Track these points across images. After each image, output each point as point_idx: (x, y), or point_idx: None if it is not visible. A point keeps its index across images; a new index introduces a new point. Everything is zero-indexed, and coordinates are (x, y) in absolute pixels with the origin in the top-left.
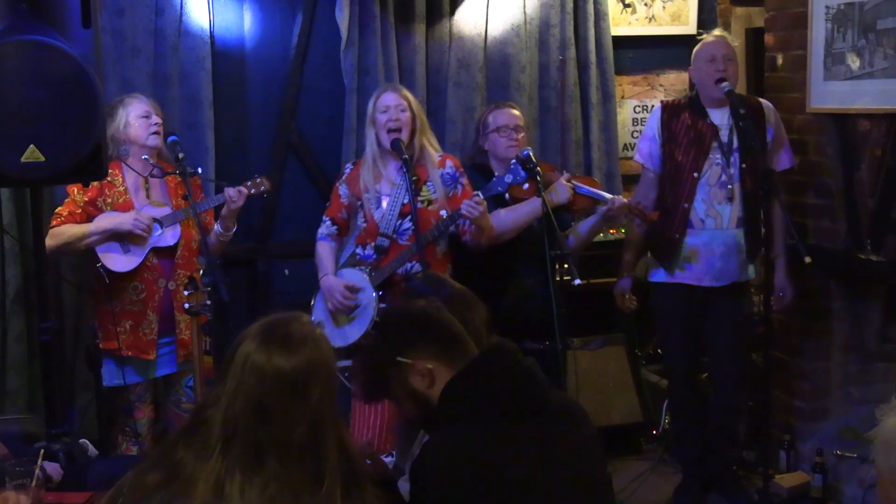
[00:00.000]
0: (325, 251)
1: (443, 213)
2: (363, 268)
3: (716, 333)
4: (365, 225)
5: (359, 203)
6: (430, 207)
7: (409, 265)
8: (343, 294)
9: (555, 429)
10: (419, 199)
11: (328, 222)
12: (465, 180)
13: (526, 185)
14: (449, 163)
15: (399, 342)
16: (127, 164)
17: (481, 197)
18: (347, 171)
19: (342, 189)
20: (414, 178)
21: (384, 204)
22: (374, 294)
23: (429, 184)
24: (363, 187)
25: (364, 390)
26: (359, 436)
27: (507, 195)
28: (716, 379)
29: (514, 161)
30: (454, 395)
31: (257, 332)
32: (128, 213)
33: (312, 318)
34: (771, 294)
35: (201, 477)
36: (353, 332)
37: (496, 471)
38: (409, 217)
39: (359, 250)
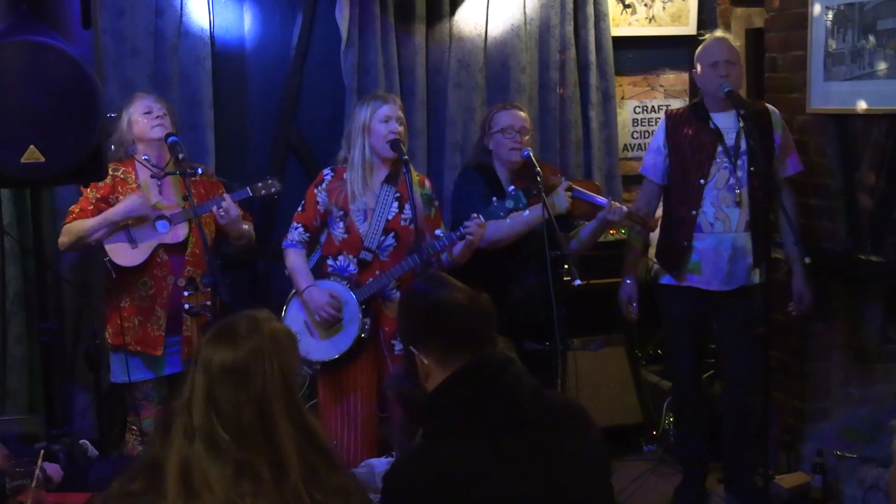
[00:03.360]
0: (299, 260)
1: (438, 232)
2: (341, 280)
3: (727, 337)
4: (346, 236)
5: (340, 213)
6: (410, 226)
7: (389, 286)
8: (333, 306)
9: (541, 442)
10: (402, 216)
11: (301, 228)
12: (437, 203)
13: (526, 213)
14: (427, 183)
15: (411, 330)
16: (140, 162)
17: (482, 220)
18: (328, 178)
19: (320, 196)
20: (397, 194)
21: (370, 217)
22: (358, 308)
23: (414, 197)
24: (350, 197)
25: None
26: (342, 448)
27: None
28: (728, 382)
29: (513, 188)
30: (436, 407)
31: (211, 332)
32: (127, 199)
33: None
34: (773, 295)
35: (170, 464)
36: (335, 347)
37: (465, 489)
38: (392, 234)
39: (329, 261)
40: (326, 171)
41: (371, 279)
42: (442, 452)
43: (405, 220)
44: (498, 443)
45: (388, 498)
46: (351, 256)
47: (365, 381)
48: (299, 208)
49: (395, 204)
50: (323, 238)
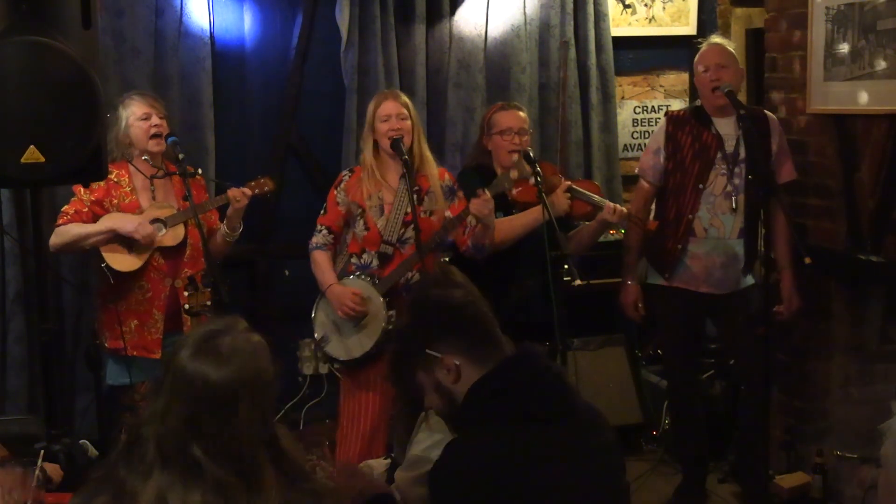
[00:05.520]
0: (323, 261)
1: (448, 213)
2: (363, 276)
3: (731, 337)
4: (366, 233)
5: (359, 211)
6: (432, 217)
7: (410, 274)
8: (354, 301)
9: (580, 434)
10: (422, 209)
11: (324, 231)
12: (460, 194)
13: (532, 180)
14: (447, 176)
15: (430, 334)
16: (134, 166)
17: (488, 195)
18: (346, 177)
19: (340, 196)
20: (416, 188)
21: (387, 212)
22: (381, 301)
23: (430, 194)
24: (365, 194)
25: (392, 375)
26: (347, 443)
27: (509, 194)
28: (741, 379)
29: (516, 159)
30: (481, 397)
31: (191, 343)
32: (132, 216)
33: (315, 333)
34: (772, 296)
35: (144, 494)
36: (362, 343)
37: (520, 476)
38: (412, 225)
39: (354, 259)
40: (345, 171)
41: (391, 271)
42: (492, 441)
43: (425, 211)
44: (545, 430)
45: (441, 491)
46: (372, 252)
47: (383, 378)
48: (322, 211)
49: (414, 197)
50: (348, 238)
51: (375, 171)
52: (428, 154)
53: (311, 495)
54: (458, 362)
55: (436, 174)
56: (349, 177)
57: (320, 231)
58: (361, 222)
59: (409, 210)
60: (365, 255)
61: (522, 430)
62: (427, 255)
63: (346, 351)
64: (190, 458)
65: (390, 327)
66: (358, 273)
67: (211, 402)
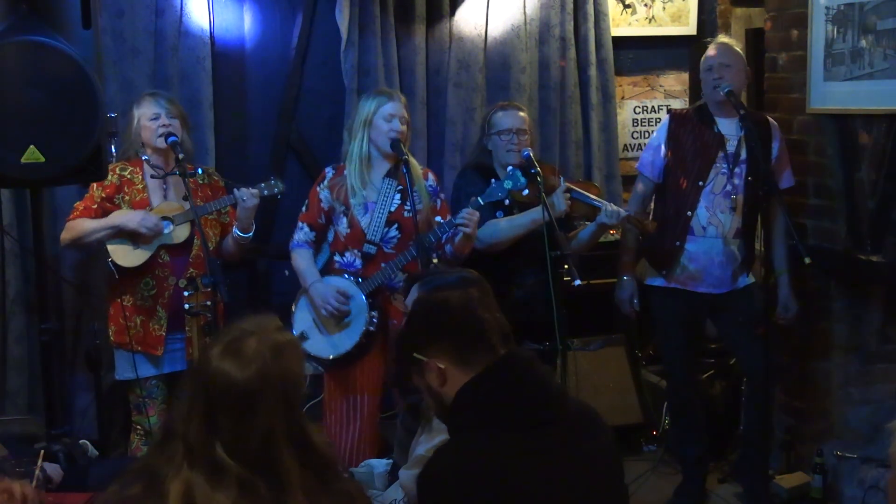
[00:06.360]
0: (306, 258)
1: (438, 218)
2: (347, 276)
3: (734, 336)
4: (349, 231)
5: (342, 209)
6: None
7: (394, 276)
8: (338, 299)
9: (568, 439)
10: (405, 208)
11: (306, 228)
12: (443, 196)
13: (526, 192)
14: (430, 176)
15: (418, 337)
16: (149, 164)
17: (475, 207)
18: (329, 175)
19: (323, 193)
20: (400, 187)
21: (371, 211)
22: (364, 301)
23: (414, 194)
24: (350, 192)
25: (395, 377)
26: (338, 445)
27: (507, 200)
28: (746, 377)
29: (511, 167)
30: (464, 404)
31: (219, 343)
32: (137, 211)
33: (294, 329)
34: (771, 296)
35: (172, 488)
36: (344, 342)
37: (502, 484)
38: (395, 225)
39: (337, 258)
40: (328, 168)
41: (376, 272)
42: (476, 448)
43: (408, 211)
44: (529, 438)
45: (425, 496)
46: (355, 251)
47: (371, 381)
48: (303, 208)
49: (398, 196)
50: (330, 236)
51: (363, 167)
52: (411, 157)
53: (346, 497)
54: (442, 366)
55: (420, 174)
56: (332, 174)
57: (301, 228)
58: (344, 220)
59: (391, 209)
60: (348, 254)
61: (505, 438)
62: (411, 262)
63: (325, 350)
64: (214, 458)
65: (371, 328)
66: (340, 272)
67: (231, 401)
